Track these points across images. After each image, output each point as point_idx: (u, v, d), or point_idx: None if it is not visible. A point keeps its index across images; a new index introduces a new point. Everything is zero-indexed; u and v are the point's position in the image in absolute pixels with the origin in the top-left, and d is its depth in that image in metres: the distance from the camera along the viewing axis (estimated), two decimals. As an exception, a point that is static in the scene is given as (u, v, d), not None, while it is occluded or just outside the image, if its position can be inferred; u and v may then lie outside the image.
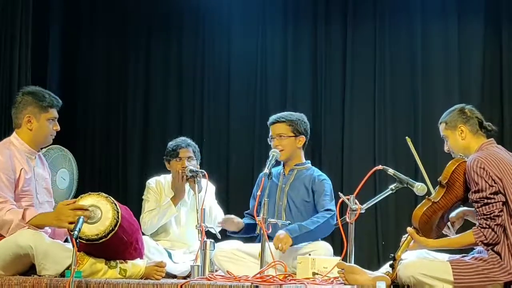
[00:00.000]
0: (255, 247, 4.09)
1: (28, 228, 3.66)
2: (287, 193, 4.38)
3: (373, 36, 6.02)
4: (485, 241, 3.40)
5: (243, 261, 4.17)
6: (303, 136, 4.40)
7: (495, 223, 3.39)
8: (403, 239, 3.59)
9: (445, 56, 5.89)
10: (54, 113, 3.99)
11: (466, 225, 3.75)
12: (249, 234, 4.45)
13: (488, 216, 3.40)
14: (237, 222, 4.37)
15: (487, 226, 3.40)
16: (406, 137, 3.89)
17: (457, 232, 3.72)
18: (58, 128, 4.02)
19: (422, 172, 3.84)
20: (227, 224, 4.37)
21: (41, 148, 4.16)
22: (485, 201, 3.41)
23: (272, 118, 4.44)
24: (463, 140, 3.64)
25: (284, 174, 4.44)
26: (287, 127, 4.36)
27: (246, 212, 4.53)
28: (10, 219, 3.66)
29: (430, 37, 5.92)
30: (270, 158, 4.00)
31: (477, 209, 3.45)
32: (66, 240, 3.97)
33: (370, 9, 6.04)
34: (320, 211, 4.24)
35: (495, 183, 3.41)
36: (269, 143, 4.43)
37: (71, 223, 3.48)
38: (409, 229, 3.55)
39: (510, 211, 3.40)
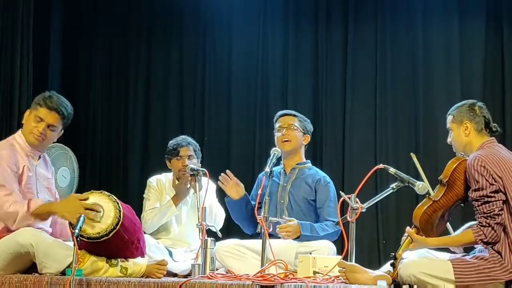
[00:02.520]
0: (257, 243, 4.08)
1: (32, 220, 3.65)
2: (289, 191, 4.40)
3: (374, 36, 6.00)
4: (485, 240, 3.40)
5: (245, 256, 4.16)
6: (308, 135, 4.54)
7: (495, 221, 3.39)
8: (404, 238, 3.59)
9: (446, 56, 5.86)
10: (42, 112, 3.85)
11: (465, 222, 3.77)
12: (246, 209, 4.36)
13: (488, 214, 3.40)
14: (240, 187, 4.32)
15: (487, 225, 3.40)
16: (411, 154, 3.89)
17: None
18: (40, 129, 3.84)
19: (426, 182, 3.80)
20: (229, 185, 4.32)
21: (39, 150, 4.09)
22: (485, 199, 3.41)
23: (284, 111, 4.59)
24: (466, 136, 3.64)
25: (286, 173, 4.46)
26: (298, 121, 4.50)
27: None
28: (15, 211, 3.64)
29: (431, 37, 5.90)
30: (271, 157, 4.03)
31: (477, 208, 3.45)
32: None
33: (371, 9, 6.02)
34: (328, 219, 4.29)
35: (495, 181, 3.41)
36: (274, 134, 4.48)
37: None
38: (408, 229, 3.55)
39: (510, 209, 3.40)
